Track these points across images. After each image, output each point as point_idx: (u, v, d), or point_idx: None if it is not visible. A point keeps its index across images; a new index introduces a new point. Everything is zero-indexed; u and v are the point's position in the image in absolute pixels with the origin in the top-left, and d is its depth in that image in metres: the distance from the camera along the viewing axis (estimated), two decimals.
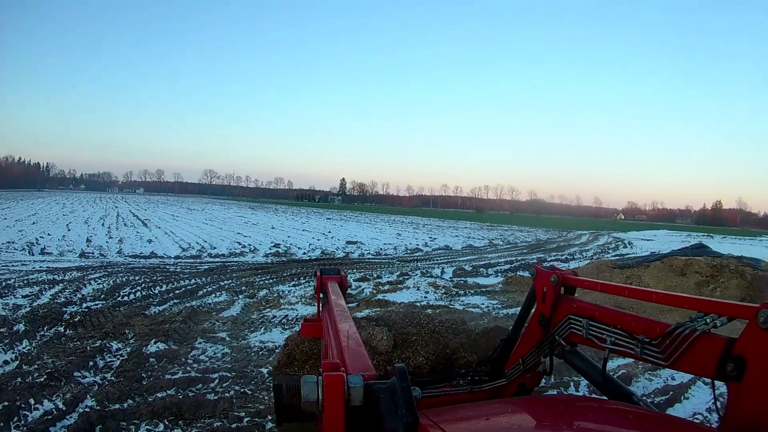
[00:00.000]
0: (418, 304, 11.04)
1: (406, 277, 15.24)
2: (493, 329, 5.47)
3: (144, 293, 11.45)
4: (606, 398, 2.21)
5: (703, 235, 54.58)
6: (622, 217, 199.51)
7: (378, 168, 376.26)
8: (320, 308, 3.53)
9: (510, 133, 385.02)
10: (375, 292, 12.65)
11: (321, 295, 3.55)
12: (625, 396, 2.14)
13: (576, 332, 2.29)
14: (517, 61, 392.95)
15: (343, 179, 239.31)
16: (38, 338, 7.86)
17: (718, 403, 1.81)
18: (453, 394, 2.63)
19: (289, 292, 12.62)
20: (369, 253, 22.93)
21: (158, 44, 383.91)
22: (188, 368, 6.92)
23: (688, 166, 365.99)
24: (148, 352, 7.39)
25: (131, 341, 7.92)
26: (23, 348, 7.40)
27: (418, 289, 13.10)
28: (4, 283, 11.37)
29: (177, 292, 11.80)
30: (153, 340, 7.83)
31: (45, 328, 8.31)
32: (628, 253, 27.64)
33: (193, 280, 13.38)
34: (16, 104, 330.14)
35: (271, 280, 14.09)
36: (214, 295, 11.80)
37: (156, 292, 11.75)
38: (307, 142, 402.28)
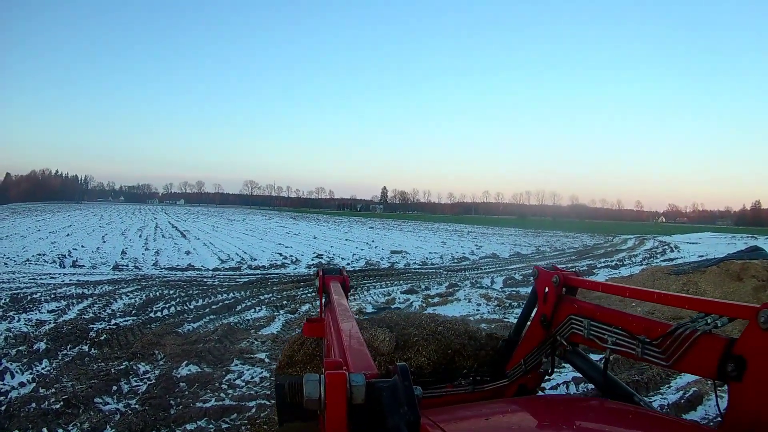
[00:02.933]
0: (471, 318, 10.61)
1: (455, 288, 14.97)
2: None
3: (178, 308, 11.30)
4: (607, 398, 2.30)
5: (748, 237, 57.42)
6: (663, 220, 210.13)
7: (419, 176, 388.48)
8: (322, 308, 3.68)
9: (551, 137, 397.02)
10: (424, 305, 12.42)
11: (323, 296, 3.69)
12: (626, 396, 2.26)
13: (577, 332, 2.42)
14: (556, 65, 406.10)
15: (385, 188, 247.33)
16: (60, 358, 7.70)
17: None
18: (455, 394, 2.79)
19: None
20: (415, 262, 22.87)
21: (198, 58, 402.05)
22: (222, 395, 6.54)
23: (726, 166, 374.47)
24: (179, 376, 7.07)
25: (161, 363, 7.64)
26: (42, 369, 7.23)
27: (469, 302, 12.86)
28: (29, 297, 11.49)
29: (213, 307, 11.59)
30: (185, 362, 7.53)
31: (68, 347, 8.17)
32: (676, 258, 28.54)
33: (231, 294, 13.20)
34: (54, 118, 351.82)
35: (313, 294, 13.57)
36: (253, 310, 11.53)
37: (191, 307, 11.58)
38: (349, 151, 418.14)
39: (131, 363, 7.49)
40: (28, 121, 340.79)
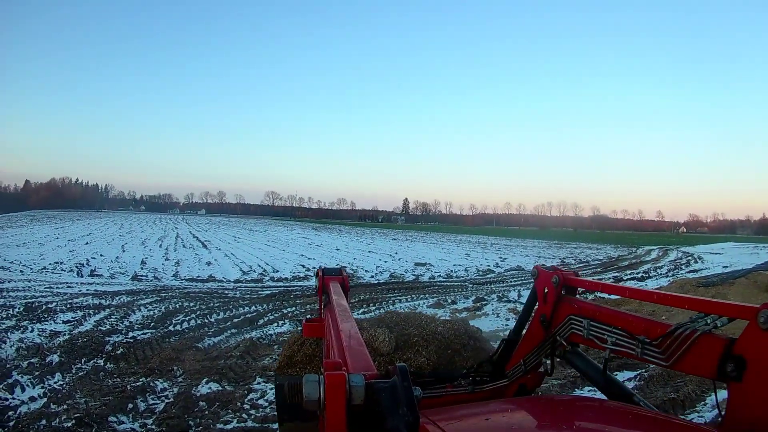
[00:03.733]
0: (501, 333, 10.28)
1: (483, 302, 14.78)
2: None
3: (198, 322, 11.05)
4: (606, 398, 2.32)
5: None
6: (684, 230, 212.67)
7: (440, 187, 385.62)
8: (322, 308, 3.69)
9: (572, 148, 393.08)
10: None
11: (323, 296, 3.71)
12: (626, 396, 2.26)
13: (577, 333, 2.42)
14: (580, 76, 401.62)
15: (406, 199, 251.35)
16: (73, 372, 7.46)
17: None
18: (454, 395, 2.75)
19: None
20: (439, 275, 22.87)
21: (221, 69, 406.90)
22: (244, 415, 6.21)
23: (746, 175, 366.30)
24: (198, 394, 6.76)
25: (179, 380, 7.33)
26: (54, 383, 6.99)
27: (497, 316, 12.78)
28: (44, 307, 11.35)
29: (235, 320, 11.33)
30: (205, 380, 7.22)
31: (82, 361, 7.93)
32: (701, 269, 28.83)
33: (253, 307, 12.94)
34: (75, 127, 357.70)
35: None
36: (276, 324, 11.22)
37: (212, 320, 11.33)
38: (370, 162, 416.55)
39: (148, 379, 7.20)
40: (48, 129, 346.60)
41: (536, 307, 2.77)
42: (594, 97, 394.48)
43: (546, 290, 2.67)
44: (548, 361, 2.63)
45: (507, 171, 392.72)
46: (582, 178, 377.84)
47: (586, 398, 2.89)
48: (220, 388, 7.00)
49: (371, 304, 14.07)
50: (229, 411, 6.31)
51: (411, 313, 6.58)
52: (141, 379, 7.20)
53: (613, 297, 10.66)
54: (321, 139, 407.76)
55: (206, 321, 11.20)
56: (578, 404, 2.30)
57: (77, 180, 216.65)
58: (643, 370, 7.85)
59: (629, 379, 7.58)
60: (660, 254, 43.94)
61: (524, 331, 2.85)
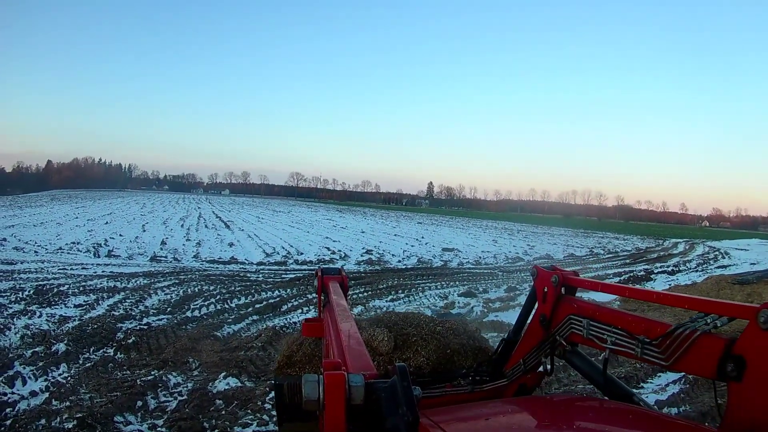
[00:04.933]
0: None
1: (515, 292, 14.29)
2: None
3: (218, 307, 10.64)
4: (606, 398, 2.39)
5: None
6: (707, 224, 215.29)
7: (465, 172, 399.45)
8: (321, 308, 3.75)
9: (599, 137, 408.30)
10: (485, 310, 11.82)
11: (322, 295, 3.78)
12: (626, 396, 2.33)
13: (577, 332, 2.48)
14: (605, 64, 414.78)
15: (431, 183, 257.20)
16: (80, 363, 7.05)
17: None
18: (454, 394, 2.80)
19: (386, 308, 11.55)
20: (468, 261, 22.66)
21: (247, 49, 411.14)
22: (265, 416, 5.73)
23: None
24: (215, 391, 6.28)
25: (195, 374, 6.87)
26: (59, 375, 6.58)
27: None
28: (56, 290, 11.03)
29: (257, 306, 10.89)
30: (222, 374, 6.74)
31: (91, 350, 7.52)
32: (729, 265, 28.89)
33: (276, 292, 12.50)
34: (98, 107, 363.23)
35: (365, 293, 13.07)
36: (300, 311, 10.76)
37: (232, 306, 10.91)
38: (396, 145, 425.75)
39: (161, 373, 6.74)
40: (71, 109, 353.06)
41: (536, 306, 2.81)
42: (623, 86, 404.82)
43: (545, 290, 2.72)
44: (548, 361, 2.69)
45: (533, 157, 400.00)
46: (607, 167, 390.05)
47: (586, 398, 2.95)
48: (239, 384, 6.50)
49: (400, 291, 13.62)
50: (249, 411, 5.82)
51: (410, 312, 6.44)
52: (153, 373, 6.75)
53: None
54: (347, 120, 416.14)
55: (226, 306, 10.79)
56: (578, 404, 2.34)
57: (100, 160, 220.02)
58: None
59: (674, 382, 7.20)
60: (687, 248, 44.00)
61: (524, 331, 2.92)
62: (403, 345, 5.25)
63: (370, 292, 13.26)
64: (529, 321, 2.89)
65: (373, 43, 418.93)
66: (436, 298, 13.07)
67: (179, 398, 6.07)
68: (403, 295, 13.15)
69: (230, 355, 7.53)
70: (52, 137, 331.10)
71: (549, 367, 2.70)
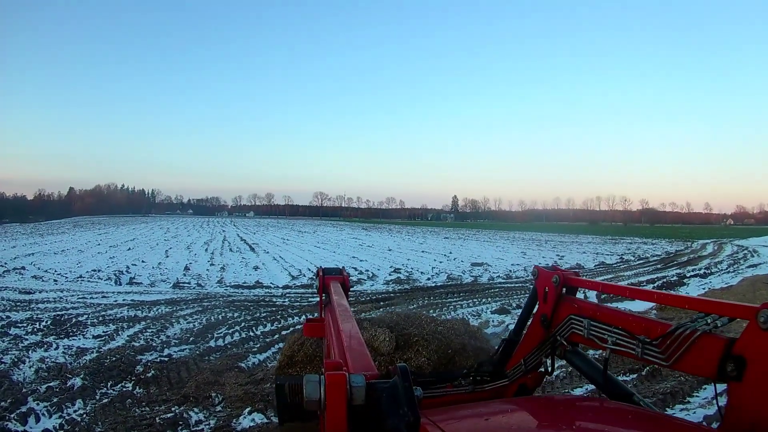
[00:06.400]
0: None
1: None
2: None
3: (242, 335, 10.40)
4: (607, 398, 2.43)
5: None
6: (731, 222, 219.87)
7: (489, 184, 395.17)
8: (322, 308, 3.82)
9: (620, 141, 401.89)
10: None
11: (323, 296, 3.88)
12: (626, 396, 2.38)
13: (577, 332, 2.54)
14: (625, 70, 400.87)
15: (455, 196, 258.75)
16: (97, 399, 6.82)
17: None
18: (455, 394, 2.85)
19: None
20: (498, 276, 22.49)
21: (269, 71, 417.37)
22: None
23: None
24: (240, 429, 5.98)
25: (218, 409, 6.58)
26: (74, 412, 6.36)
27: None
28: (74, 320, 10.92)
29: (284, 333, 10.64)
30: (247, 409, 6.42)
31: (108, 385, 7.30)
32: (760, 263, 29.64)
33: (303, 317, 12.16)
34: (120, 132, 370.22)
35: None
36: None
37: (258, 333, 10.67)
38: (418, 160, 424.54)
39: (182, 409, 6.47)
40: (93, 136, 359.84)
41: (536, 307, 2.85)
42: (639, 89, 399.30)
43: (546, 290, 2.75)
44: (548, 361, 2.75)
45: (555, 165, 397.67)
46: (630, 170, 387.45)
47: (586, 398, 3.11)
48: (266, 421, 6.16)
49: (431, 311, 13.24)
50: None
51: (411, 312, 6.75)
52: (173, 409, 6.48)
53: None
54: (369, 138, 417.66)
55: (251, 334, 10.54)
56: (578, 404, 2.43)
57: (123, 186, 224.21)
58: None
59: (721, 394, 6.88)
60: (716, 248, 44.25)
61: (524, 331, 2.95)
62: (405, 345, 5.56)
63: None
64: (529, 321, 2.93)
65: (395, 58, 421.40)
66: (469, 317, 12.72)
67: None
68: (434, 315, 12.73)
69: (255, 388, 7.23)
70: (74, 164, 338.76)
71: (550, 367, 2.77)
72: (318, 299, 4.06)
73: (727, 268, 26.64)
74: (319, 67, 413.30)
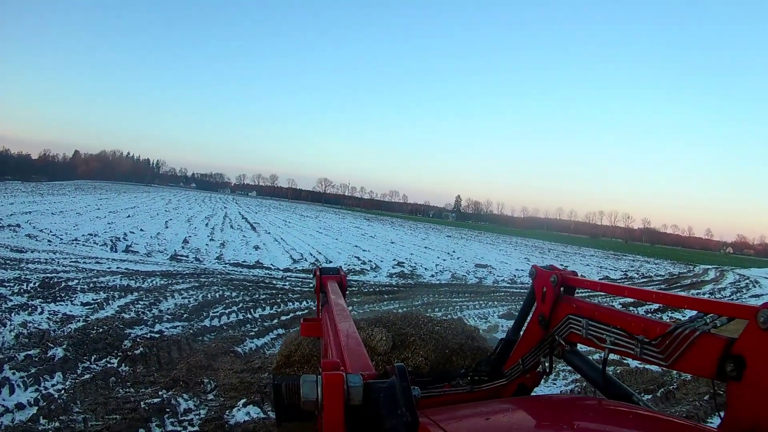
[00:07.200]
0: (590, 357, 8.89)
1: None
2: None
3: (240, 317, 9.90)
4: (606, 398, 2.42)
5: None
6: (731, 250, 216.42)
7: (493, 187, 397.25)
8: (320, 308, 3.86)
9: (626, 158, 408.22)
10: None
11: (321, 295, 3.93)
12: (625, 396, 2.37)
13: (576, 332, 2.56)
14: (636, 85, 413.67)
15: (459, 196, 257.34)
16: (78, 373, 6.29)
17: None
18: (453, 394, 2.88)
19: None
20: (503, 279, 22.28)
21: (278, 52, 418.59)
22: None
23: None
24: (233, 422, 5.43)
25: (210, 398, 6.03)
26: (52, 387, 5.83)
27: None
28: (64, 284, 10.38)
29: (283, 318, 10.15)
30: (242, 401, 5.89)
31: (92, 359, 6.76)
32: (762, 294, 29.60)
33: (304, 303, 11.75)
34: (129, 102, 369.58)
35: (401, 310, 12.04)
36: None
37: (256, 316, 10.17)
38: (424, 157, 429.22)
39: (170, 394, 5.92)
40: (101, 102, 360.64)
41: (534, 306, 2.84)
42: (650, 109, 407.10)
43: (544, 290, 2.74)
44: (546, 361, 2.73)
45: (561, 176, 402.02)
46: (635, 189, 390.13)
47: (585, 398, 3.05)
48: (262, 416, 5.61)
49: (436, 309, 12.89)
50: None
51: (408, 312, 6.73)
52: (161, 393, 5.93)
53: None
54: (377, 129, 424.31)
55: (249, 317, 10.04)
56: (578, 404, 2.43)
57: (128, 154, 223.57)
58: None
59: None
60: (718, 275, 44.29)
61: (522, 331, 2.94)
62: (402, 345, 5.60)
63: (404, 308, 12.44)
64: (527, 321, 2.92)
65: (409, 54, 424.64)
66: (476, 319, 12.30)
67: (189, 429, 5.22)
68: (440, 314, 12.26)
69: (252, 377, 6.68)
70: (81, 128, 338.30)
71: (548, 366, 2.76)
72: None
73: (730, 296, 26.89)
74: (338, 57, 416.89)
